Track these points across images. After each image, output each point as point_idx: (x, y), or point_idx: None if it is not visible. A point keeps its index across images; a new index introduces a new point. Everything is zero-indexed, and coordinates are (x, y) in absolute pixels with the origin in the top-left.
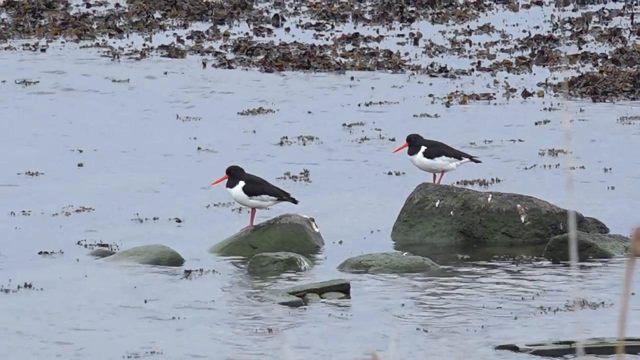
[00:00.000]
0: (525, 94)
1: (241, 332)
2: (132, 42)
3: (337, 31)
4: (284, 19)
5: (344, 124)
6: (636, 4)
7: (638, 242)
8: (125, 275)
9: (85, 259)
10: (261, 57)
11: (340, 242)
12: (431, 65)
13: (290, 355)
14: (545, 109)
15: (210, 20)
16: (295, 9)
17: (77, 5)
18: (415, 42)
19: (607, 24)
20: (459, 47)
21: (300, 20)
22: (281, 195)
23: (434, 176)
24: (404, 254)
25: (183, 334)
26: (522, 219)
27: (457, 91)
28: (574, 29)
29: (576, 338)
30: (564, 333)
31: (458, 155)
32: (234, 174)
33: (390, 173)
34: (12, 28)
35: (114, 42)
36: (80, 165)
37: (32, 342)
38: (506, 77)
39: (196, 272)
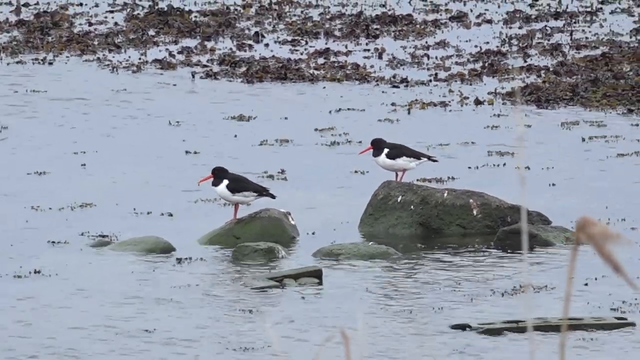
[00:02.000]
0: (477, 102)
1: (226, 313)
2: (129, 57)
3: (311, 46)
4: (263, 36)
5: (316, 129)
6: (575, 22)
7: (580, 232)
8: (124, 263)
9: (88, 248)
10: (243, 69)
11: (314, 233)
12: (393, 77)
13: (269, 332)
14: (494, 115)
15: (198, 37)
16: (274, 27)
17: (81, 24)
18: (380, 56)
19: (549, 40)
20: (418, 61)
21: (278, 37)
22: (261, 191)
23: (396, 174)
24: (370, 243)
25: (174, 315)
26: (474, 212)
27: (416, 99)
28: (520, 44)
29: (523, 317)
30: (512, 313)
31: (417, 155)
32: (218, 174)
33: (356, 172)
34: (23, 44)
35: (113, 57)
36: (83, 165)
37: (41, 322)
38: (460, 87)
39: (186, 260)
